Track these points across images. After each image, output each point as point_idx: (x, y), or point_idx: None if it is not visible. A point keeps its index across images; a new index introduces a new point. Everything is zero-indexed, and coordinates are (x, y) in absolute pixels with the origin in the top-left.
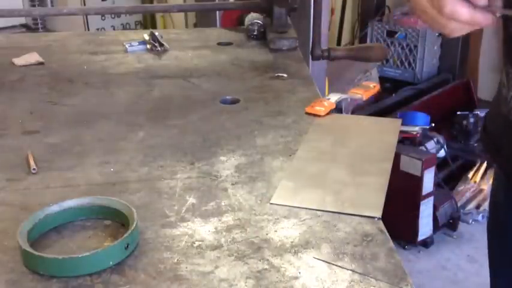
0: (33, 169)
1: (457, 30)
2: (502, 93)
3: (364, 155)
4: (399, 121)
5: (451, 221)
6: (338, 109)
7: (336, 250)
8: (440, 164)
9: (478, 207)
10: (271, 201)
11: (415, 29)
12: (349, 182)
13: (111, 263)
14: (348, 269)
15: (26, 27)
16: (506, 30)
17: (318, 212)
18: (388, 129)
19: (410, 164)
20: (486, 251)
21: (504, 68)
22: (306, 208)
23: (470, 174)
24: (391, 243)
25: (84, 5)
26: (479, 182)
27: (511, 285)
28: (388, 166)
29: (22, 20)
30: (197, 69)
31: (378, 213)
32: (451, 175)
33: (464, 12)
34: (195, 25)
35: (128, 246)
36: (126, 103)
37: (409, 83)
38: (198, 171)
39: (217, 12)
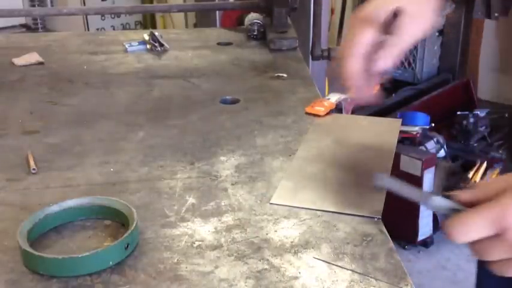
0: (33, 169)
1: None
2: None
3: (364, 155)
4: (399, 121)
5: None
6: (338, 109)
7: (336, 250)
8: None
9: None
10: (271, 201)
11: None
12: (349, 182)
13: (111, 263)
14: (348, 269)
15: (26, 27)
16: None
17: (318, 212)
18: (388, 129)
19: (410, 164)
20: None
21: None
22: (306, 208)
23: (470, 174)
24: (391, 243)
25: (84, 5)
26: (479, 182)
27: (498, 283)
28: (388, 166)
29: (22, 20)
30: (197, 69)
31: (378, 214)
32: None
33: (350, 66)
34: (195, 25)
35: (127, 246)
36: (126, 103)
37: (409, 83)
38: (198, 171)
39: (217, 12)
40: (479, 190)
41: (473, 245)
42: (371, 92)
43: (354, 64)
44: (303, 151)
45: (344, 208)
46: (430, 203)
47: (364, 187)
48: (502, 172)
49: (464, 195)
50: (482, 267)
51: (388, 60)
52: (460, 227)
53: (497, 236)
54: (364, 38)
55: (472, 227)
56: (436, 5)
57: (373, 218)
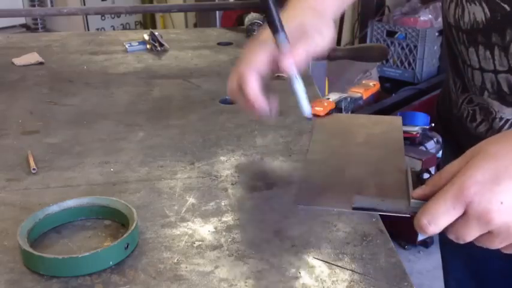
0: (33, 169)
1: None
2: (452, 97)
3: (376, 154)
4: (400, 118)
5: None
6: (338, 109)
7: (336, 250)
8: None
9: None
10: (297, 203)
11: (415, 29)
12: (369, 182)
13: (111, 263)
14: (347, 269)
15: (26, 27)
16: (449, 45)
17: (317, 212)
18: (391, 127)
19: (410, 164)
20: None
21: (451, 74)
22: (334, 209)
23: None
24: (391, 244)
25: (84, 5)
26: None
27: (463, 265)
28: (403, 164)
29: (22, 20)
30: (197, 69)
31: (408, 212)
32: None
33: (253, 85)
34: (195, 25)
35: (128, 246)
36: (126, 103)
37: (409, 83)
38: (198, 171)
39: (217, 12)
40: (433, 181)
41: (449, 232)
42: (275, 107)
43: (254, 81)
44: (313, 152)
45: (375, 207)
46: (410, 210)
47: (386, 186)
48: None
49: (421, 191)
50: (445, 246)
51: (300, 56)
52: (426, 217)
53: (464, 215)
54: (259, 55)
55: (439, 214)
56: (332, 23)
57: (403, 215)
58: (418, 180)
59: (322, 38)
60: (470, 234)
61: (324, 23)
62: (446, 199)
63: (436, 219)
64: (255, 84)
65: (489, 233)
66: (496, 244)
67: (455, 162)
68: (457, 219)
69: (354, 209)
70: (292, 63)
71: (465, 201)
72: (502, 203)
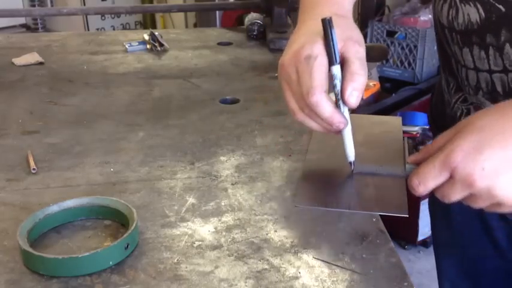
0: (33, 169)
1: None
2: (445, 97)
3: (375, 154)
4: (399, 118)
5: None
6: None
7: (336, 250)
8: None
9: None
10: (295, 204)
11: (415, 29)
12: (368, 182)
13: (111, 263)
14: (347, 269)
15: (26, 27)
16: (441, 46)
17: (318, 212)
18: (391, 127)
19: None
20: None
21: (443, 74)
22: (332, 209)
23: None
24: (391, 243)
25: (84, 5)
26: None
27: (456, 265)
28: (402, 164)
29: (22, 20)
30: (197, 69)
31: (405, 212)
32: None
33: (327, 107)
34: (195, 25)
35: (128, 246)
36: (126, 103)
37: (409, 83)
38: (198, 171)
39: (217, 12)
40: (426, 148)
41: (437, 192)
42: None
43: (328, 104)
44: (312, 152)
45: (371, 207)
46: (405, 173)
47: (385, 186)
48: None
49: (414, 157)
50: (439, 247)
51: (359, 92)
52: (417, 179)
53: (450, 178)
54: (319, 73)
55: (427, 176)
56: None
57: (402, 215)
58: (414, 151)
59: (363, 49)
60: (454, 195)
61: (354, 29)
62: (434, 164)
63: (425, 181)
64: (331, 106)
65: (472, 194)
66: (479, 204)
67: (446, 133)
68: (444, 182)
69: (354, 173)
70: (347, 111)
71: (451, 167)
72: (483, 169)
